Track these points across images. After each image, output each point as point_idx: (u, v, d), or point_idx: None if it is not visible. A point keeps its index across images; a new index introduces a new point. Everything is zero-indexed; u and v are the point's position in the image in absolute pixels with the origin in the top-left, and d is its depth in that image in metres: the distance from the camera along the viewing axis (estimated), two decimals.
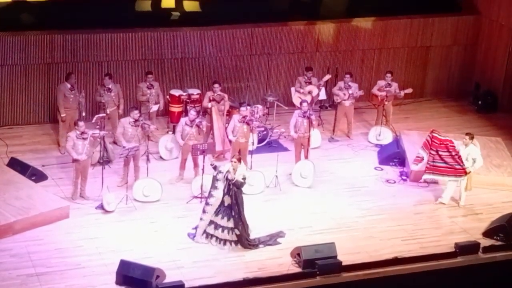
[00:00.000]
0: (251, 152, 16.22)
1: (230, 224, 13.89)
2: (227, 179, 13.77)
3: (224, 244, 13.94)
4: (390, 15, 20.63)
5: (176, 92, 17.88)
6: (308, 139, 16.39)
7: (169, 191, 15.49)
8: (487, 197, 16.30)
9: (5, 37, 17.47)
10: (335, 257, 13.59)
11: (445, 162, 15.50)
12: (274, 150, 17.25)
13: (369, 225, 15.06)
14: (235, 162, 13.83)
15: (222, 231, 13.92)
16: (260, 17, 19.55)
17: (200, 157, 15.52)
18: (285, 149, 17.57)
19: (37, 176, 15.68)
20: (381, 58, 20.65)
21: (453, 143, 15.50)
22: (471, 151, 15.50)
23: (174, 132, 17.11)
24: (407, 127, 19.00)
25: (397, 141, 17.91)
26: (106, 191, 15.02)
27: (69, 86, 16.76)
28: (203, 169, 15.36)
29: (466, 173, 15.49)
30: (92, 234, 14.12)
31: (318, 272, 13.36)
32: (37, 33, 17.71)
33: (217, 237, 13.97)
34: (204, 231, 14.04)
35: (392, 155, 17.37)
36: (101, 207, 14.88)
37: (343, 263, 13.55)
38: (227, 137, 16.50)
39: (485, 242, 14.65)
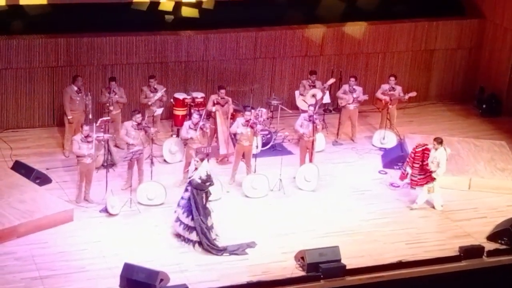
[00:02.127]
0: (255, 156, 16.22)
1: (191, 223, 13.94)
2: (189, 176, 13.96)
3: (189, 243, 13.98)
4: (394, 19, 20.64)
5: (180, 96, 17.88)
6: (313, 142, 16.39)
7: (173, 194, 15.46)
8: (492, 201, 16.28)
9: (10, 40, 17.50)
10: (339, 260, 13.59)
11: (421, 174, 15.53)
12: (278, 154, 17.25)
13: (373, 228, 15.05)
14: (197, 161, 13.93)
15: (183, 228, 14.00)
16: (264, 20, 19.56)
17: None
18: (289, 153, 17.57)
19: (41, 179, 15.70)
20: (385, 62, 20.63)
21: (429, 150, 15.46)
22: (438, 155, 15.39)
23: (178, 135, 17.12)
24: (411, 130, 19.00)
25: (401, 145, 17.90)
26: (110, 194, 15.03)
27: (75, 88, 16.79)
28: None
29: (433, 179, 15.48)
30: (96, 237, 14.13)
31: (322, 276, 13.36)
32: (42, 37, 17.74)
33: (183, 237, 14.04)
34: (176, 233, 14.13)
35: (396, 159, 17.33)
36: (105, 210, 14.89)
37: (347, 267, 13.55)
38: (232, 137, 16.50)
39: (490, 246, 14.63)
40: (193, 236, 13.95)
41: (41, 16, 17.98)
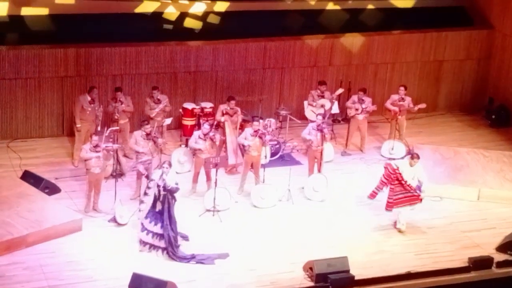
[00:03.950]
0: (264, 166, 16.21)
1: (159, 230, 13.90)
2: (158, 185, 13.82)
3: (157, 250, 13.95)
4: (403, 29, 20.64)
5: (189, 106, 17.91)
6: (321, 152, 16.38)
7: (182, 204, 15.46)
8: (501, 212, 16.23)
9: (19, 50, 17.57)
10: (348, 271, 13.55)
11: (401, 192, 15.16)
12: (286, 164, 17.25)
13: (382, 239, 15.02)
14: (166, 168, 13.89)
15: (152, 236, 13.94)
16: (274, 31, 19.59)
17: (213, 170, 15.51)
18: (298, 163, 17.56)
19: (50, 189, 15.72)
20: (394, 72, 20.64)
21: (398, 169, 15.05)
22: (417, 171, 15.15)
23: (186, 145, 17.14)
24: (420, 141, 18.96)
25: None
26: (119, 204, 15.04)
27: (89, 99, 16.82)
28: (215, 182, 15.37)
29: (420, 200, 15.19)
30: (104, 247, 14.12)
31: (330, 287, 13.32)
32: (51, 47, 17.80)
33: (150, 244, 13.99)
34: (141, 241, 14.06)
35: None
36: (114, 220, 14.89)
37: (356, 278, 13.51)
38: (241, 147, 16.51)
39: (499, 257, 14.58)
40: (162, 243, 13.93)
41: (51, 26, 18.04)
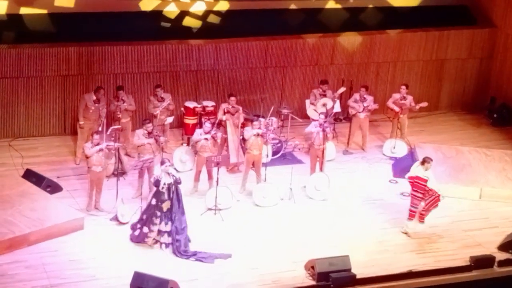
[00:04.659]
0: (265, 165, 16.21)
1: (169, 227, 13.95)
2: (168, 184, 13.88)
3: (167, 246, 14.01)
4: (405, 28, 20.63)
5: (190, 104, 17.91)
6: (323, 151, 16.37)
7: (183, 203, 15.48)
8: (503, 211, 16.23)
9: (21, 49, 17.58)
10: (349, 270, 13.55)
11: (426, 199, 15.09)
12: (288, 163, 17.25)
13: (383, 238, 15.01)
14: (168, 165, 13.99)
15: (168, 235, 13.97)
16: (275, 30, 19.59)
17: (215, 169, 15.51)
18: (299, 162, 17.57)
19: (52, 187, 15.73)
20: (396, 71, 20.63)
21: (424, 180, 14.89)
22: (430, 173, 15.07)
23: (188, 144, 17.14)
24: (422, 140, 18.97)
25: (412, 154, 17.87)
26: (121, 202, 15.05)
27: (94, 98, 16.84)
28: (217, 181, 15.37)
29: (439, 200, 15.09)
30: (106, 245, 14.13)
31: (332, 285, 13.32)
32: (53, 46, 17.80)
33: (162, 243, 14.04)
34: (156, 241, 14.10)
35: (407, 168, 17.25)
36: (116, 218, 14.90)
37: (357, 276, 13.51)
38: (242, 146, 16.50)
39: (501, 256, 14.57)
40: (166, 239, 14.01)
41: (53, 25, 18.05)
